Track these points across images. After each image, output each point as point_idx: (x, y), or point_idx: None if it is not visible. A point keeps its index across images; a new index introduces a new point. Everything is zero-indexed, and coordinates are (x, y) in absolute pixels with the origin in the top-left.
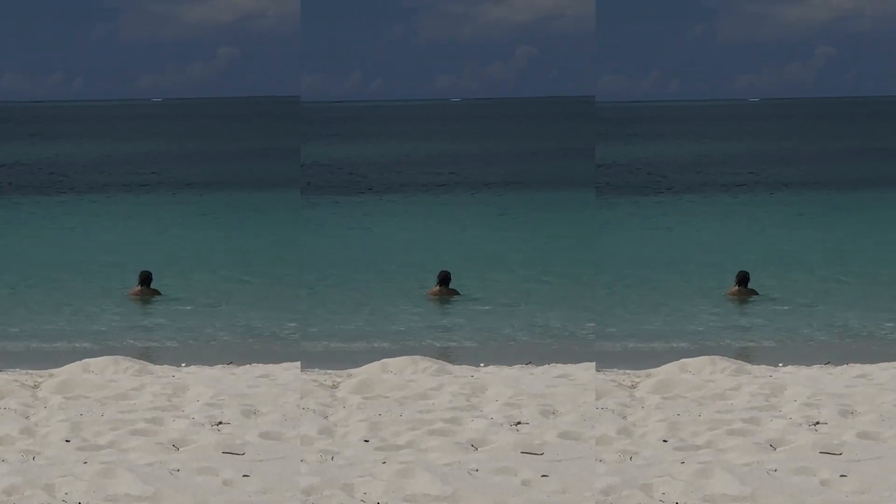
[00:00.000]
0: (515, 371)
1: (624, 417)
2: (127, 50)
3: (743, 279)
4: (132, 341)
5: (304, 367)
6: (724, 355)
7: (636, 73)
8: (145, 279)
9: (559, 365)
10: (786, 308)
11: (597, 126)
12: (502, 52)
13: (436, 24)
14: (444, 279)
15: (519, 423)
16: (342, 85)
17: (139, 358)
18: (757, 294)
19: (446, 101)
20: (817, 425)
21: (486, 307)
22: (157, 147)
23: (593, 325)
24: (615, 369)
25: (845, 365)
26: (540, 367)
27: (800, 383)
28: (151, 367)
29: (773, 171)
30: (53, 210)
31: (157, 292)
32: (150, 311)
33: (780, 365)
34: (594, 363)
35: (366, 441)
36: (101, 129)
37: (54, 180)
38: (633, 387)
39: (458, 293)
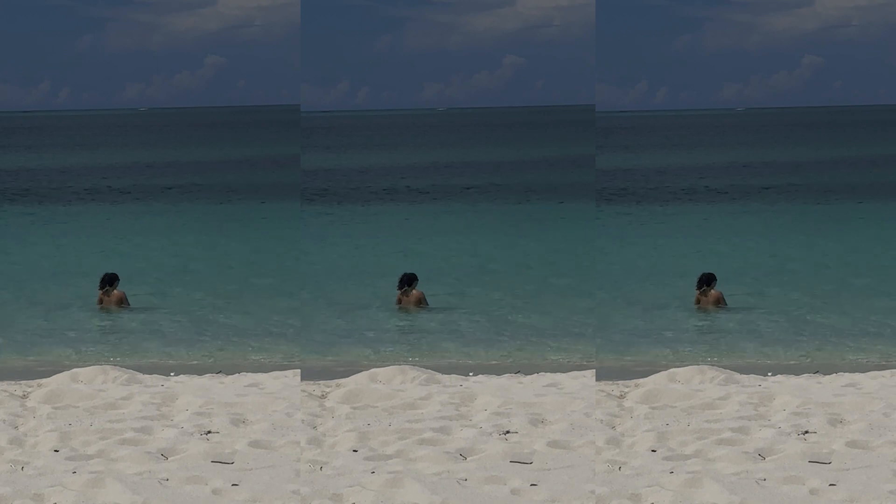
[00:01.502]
0: (504, 380)
1: (613, 427)
2: (113, 60)
3: (700, 280)
4: (120, 351)
5: (293, 377)
6: (712, 365)
7: (623, 83)
8: (103, 281)
9: (548, 374)
10: (774, 317)
11: (596, 135)
12: (489, 62)
13: (423, 33)
14: (402, 281)
15: (508, 432)
16: (329, 94)
17: (128, 367)
18: (724, 300)
19: (433, 111)
20: (806, 434)
21: (475, 316)
22: (142, 156)
23: (582, 334)
24: (604, 380)
25: (834, 374)
26: (529, 377)
27: (788, 392)
28: (140, 376)
29: (760, 181)
30: (36, 219)
31: (121, 297)
32: (138, 320)
33: (769, 374)
34: (586, 372)
35: (354, 451)
36: (86, 139)
37: (36, 190)
38: (621, 396)
39: (423, 300)
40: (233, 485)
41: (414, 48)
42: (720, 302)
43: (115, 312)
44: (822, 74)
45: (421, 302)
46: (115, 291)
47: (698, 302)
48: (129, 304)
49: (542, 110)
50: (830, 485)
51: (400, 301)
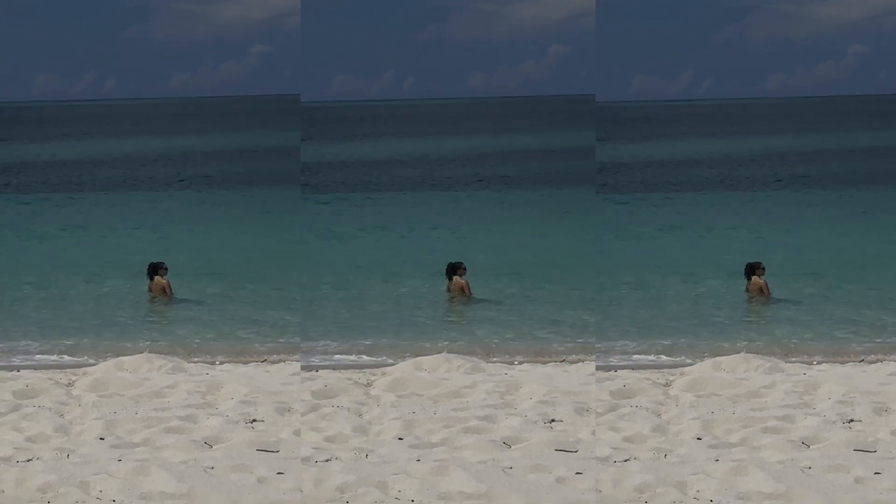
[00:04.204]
0: (549, 369)
1: (658, 415)
2: (158, 49)
3: (748, 270)
4: (164, 338)
5: (336, 366)
6: (757, 353)
7: (668, 74)
8: (151, 270)
9: (592, 362)
10: (819, 305)
11: (597, 126)
12: (535, 51)
13: (468, 22)
14: (448, 270)
15: (553, 420)
16: (374, 85)
17: (173, 355)
18: (767, 288)
19: (480, 100)
20: (851, 423)
21: (518, 305)
22: (185, 145)
23: (626, 320)
24: (649, 368)
25: (879, 362)
26: (574, 365)
27: (834, 381)
28: (185, 364)
29: (805, 170)
30: (72, 208)
31: (164, 286)
32: (181, 308)
33: (814, 363)
34: (628, 360)
35: (400, 439)
36: (128, 127)
37: (76, 179)
38: (667, 385)
39: (467, 288)
40: (278, 473)
41: (459, 38)
42: (763, 290)
43: (158, 301)
44: (868, 63)
45: (464, 290)
46: (160, 280)
47: (748, 290)
48: (171, 293)
49: (587, 99)
50: (875, 473)
51: (449, 289)
